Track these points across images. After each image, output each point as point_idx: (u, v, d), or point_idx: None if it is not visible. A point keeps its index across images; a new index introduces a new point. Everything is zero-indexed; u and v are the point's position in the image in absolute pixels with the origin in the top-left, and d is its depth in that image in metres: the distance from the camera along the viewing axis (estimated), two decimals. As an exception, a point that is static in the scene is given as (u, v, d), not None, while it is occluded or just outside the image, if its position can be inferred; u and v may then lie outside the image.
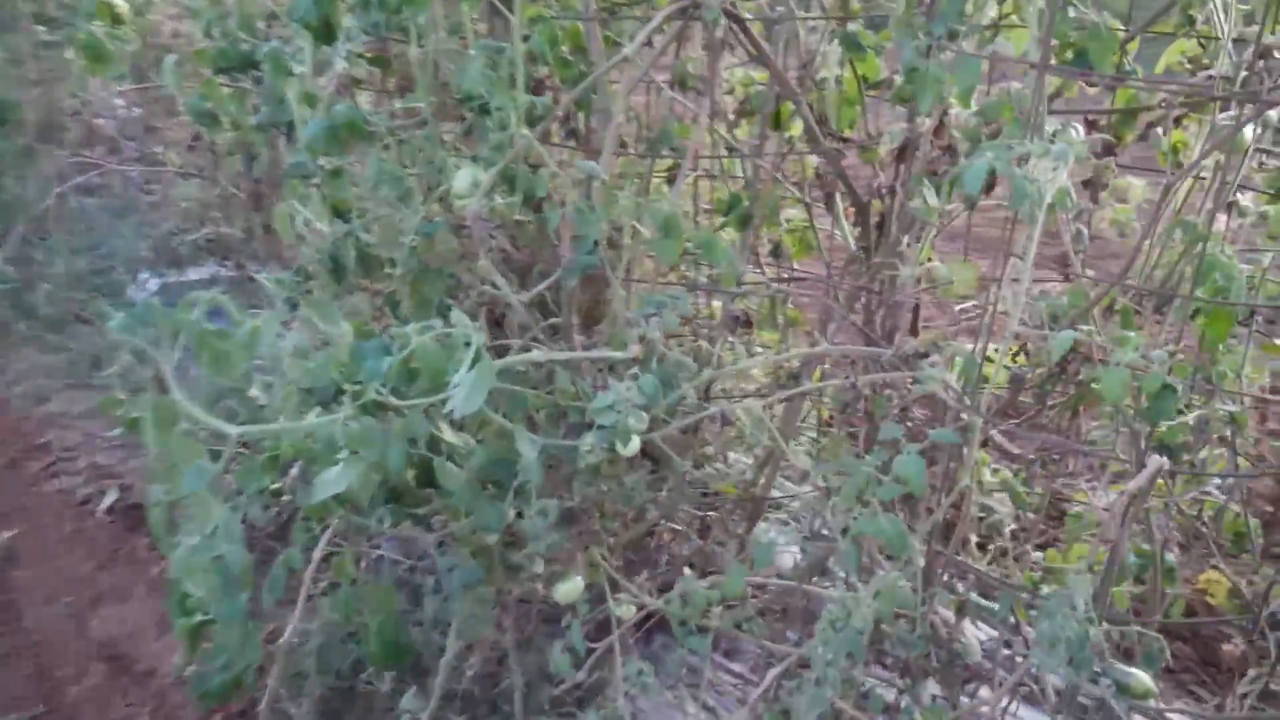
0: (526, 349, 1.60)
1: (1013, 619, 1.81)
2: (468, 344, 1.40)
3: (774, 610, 2.20)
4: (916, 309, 2.10)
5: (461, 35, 1.77)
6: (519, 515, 1.53)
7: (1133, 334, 1.29)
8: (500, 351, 1.62)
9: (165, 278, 4.43)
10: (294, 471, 1.95)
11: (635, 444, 1.42)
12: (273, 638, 2.47)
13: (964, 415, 1.50)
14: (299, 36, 1.79)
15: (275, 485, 1.67)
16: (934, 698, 1.62)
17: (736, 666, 2.32)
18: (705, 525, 2.00)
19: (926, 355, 1.50)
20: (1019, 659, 2.17)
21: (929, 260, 2.11)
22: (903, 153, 1.94)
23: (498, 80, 1.59)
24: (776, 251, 2.42)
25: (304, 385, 1.50)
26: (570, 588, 1.68)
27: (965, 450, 1.44)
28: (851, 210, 2.21)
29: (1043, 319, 1.52)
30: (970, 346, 1.47)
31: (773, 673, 1.67)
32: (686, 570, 2.40)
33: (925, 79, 1.46)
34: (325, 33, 1.73)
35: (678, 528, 2.06)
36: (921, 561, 1.51)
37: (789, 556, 2.76)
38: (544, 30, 1.71)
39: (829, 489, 1.54)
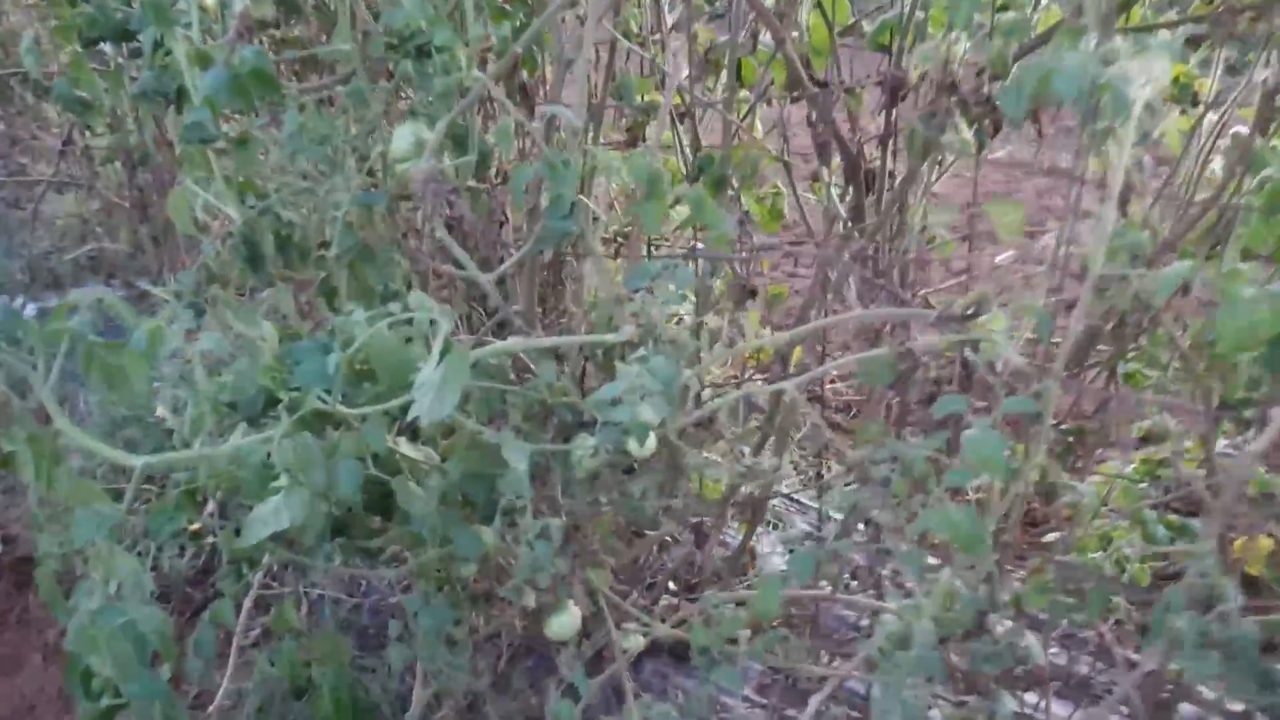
0: (481, 342, 1.32)
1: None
2: (432, 333, 1.12)
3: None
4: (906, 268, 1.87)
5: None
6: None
7: (1244, 266, 1.07)
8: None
9: (43, 302, 3.99)
10: (212, 506, 1.64)
11: (652, 443, 1.15)
12: (200, 702, 2.14)
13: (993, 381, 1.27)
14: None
15: (194, 525, 1.36)
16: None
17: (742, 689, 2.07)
18: (700, 530, 1.74)
19: (978, 314, 1.27)
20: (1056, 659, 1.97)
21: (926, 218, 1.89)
22: (895, 95, 1.71)
23: (440, 15, 1.31)
24: (742, 223, 2.17)
25: (223, 399, 1.19)
26: (565, 622, 1.40)
27: (1040, 421, 1.21)
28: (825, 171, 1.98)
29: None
30: (1035, 300, 1.24)
31: (816, 699, 1.42)
32: (670, 585, 2.15)
33: (960, -13, 1.23)
34: (218, -30, 1.42)
35: (668, 537, 1.79)
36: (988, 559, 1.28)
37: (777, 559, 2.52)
38: (484, -37, 1.43)
39: (878, 479, 1.29)
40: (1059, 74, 0.97)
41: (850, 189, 1.79)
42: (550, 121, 1.38)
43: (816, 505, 2.70)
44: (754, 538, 2.36)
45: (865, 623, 2.11)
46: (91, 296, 1.34)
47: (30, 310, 4.09)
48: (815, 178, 1.95)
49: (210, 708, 1.82)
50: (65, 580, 1.34)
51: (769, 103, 1.91)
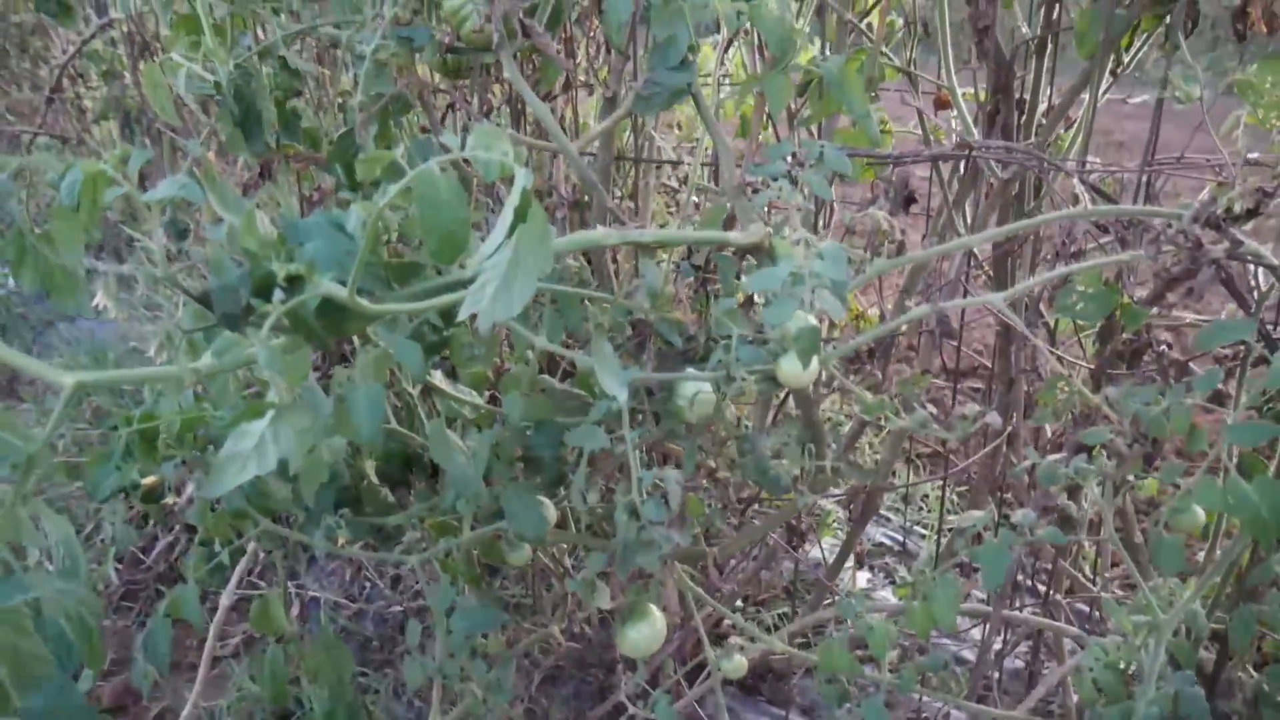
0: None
1: None
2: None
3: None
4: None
5: None
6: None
7: None
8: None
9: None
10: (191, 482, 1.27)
11: (815, 367, 0.79)
12: (160, 724, 1.76)
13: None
14: None
15: (149, 481, 0.99)
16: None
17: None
18: (796, 531, 1.37)
19: (1253, 213, 0.90)
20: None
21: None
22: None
23: None
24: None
25: (189, 290, 0.83)
26: (646, 633, 1.02)
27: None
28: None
29: None
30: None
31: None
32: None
33: None
34: None
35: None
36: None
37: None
38: None
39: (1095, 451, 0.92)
40: None
41: (998, 102, 1.43)
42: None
43: (898, 516, 2.34)
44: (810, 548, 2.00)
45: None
46: (20, 161, 0.99)
47: (12, 282, 3.75)
48: (944, 103, 1.60)
49: (171, 731, 1.45)
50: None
51: None
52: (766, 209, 1.00)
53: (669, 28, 0.94)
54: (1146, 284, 1.06)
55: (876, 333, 0.93)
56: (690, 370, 0.93)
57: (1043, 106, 1.55)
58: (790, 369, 0.79)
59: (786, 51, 1.03)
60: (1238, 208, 0.92)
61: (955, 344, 1.06)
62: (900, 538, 2.21)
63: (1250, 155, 1.03)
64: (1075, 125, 1.57)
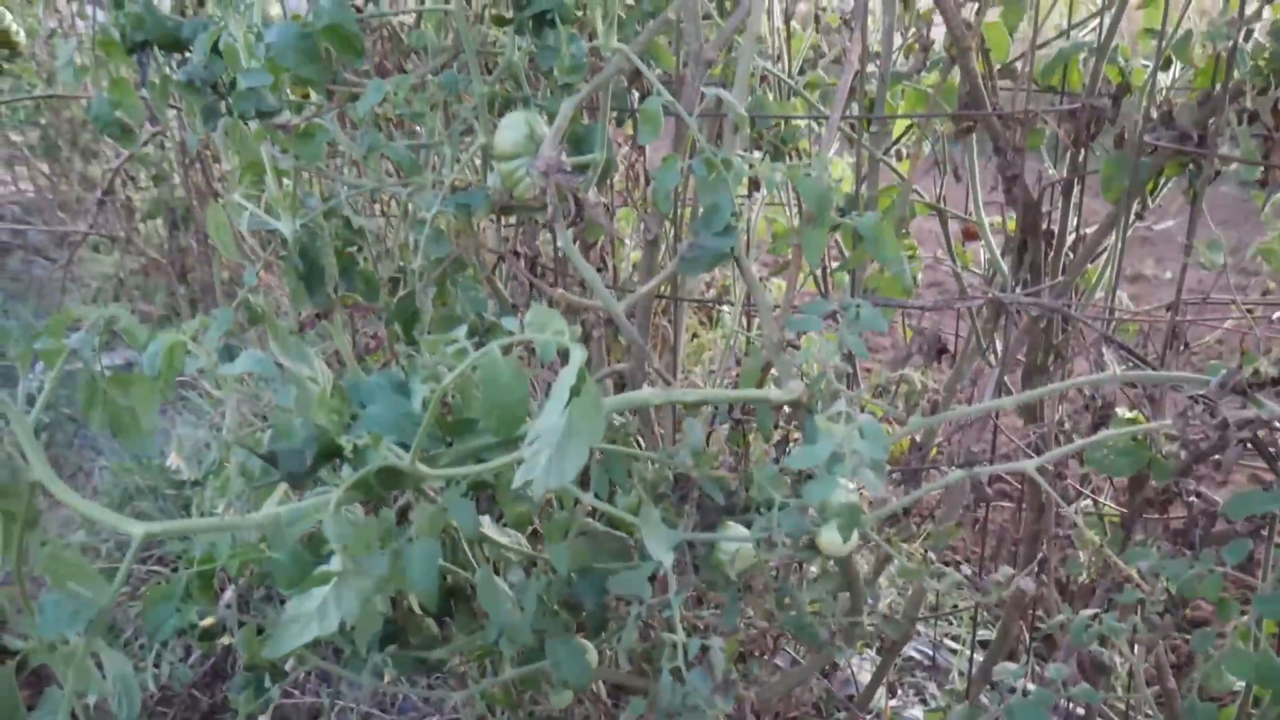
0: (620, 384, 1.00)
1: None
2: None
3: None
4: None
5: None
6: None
7: None
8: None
9: (71, 366, 3.72)
10: (228, 596, 1.31)
11: (854, 538, 0.82)
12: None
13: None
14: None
15: (206, 621, 1.02)
16: None
17: None
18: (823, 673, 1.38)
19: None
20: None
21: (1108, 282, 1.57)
22: (1093, 124, 1.41)
23: (568, -24, 1.03)
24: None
25: (258, 450, 0.87)
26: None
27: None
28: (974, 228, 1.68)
29: None
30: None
31: None
32: None
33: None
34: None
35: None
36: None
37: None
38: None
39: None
40: None
41: (1026, 243, 1.48)
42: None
43: (928, 628, 2.33)
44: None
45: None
46: (99, 312, 1.04)
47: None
48: (972, 234, 1.65)
49: None
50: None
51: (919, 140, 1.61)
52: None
53: (713, 195, 0.99)
54: (1176, 436, 1.09)
55: (915, 496, 0.96)
56: (732, 526, 0.96)
57: (1070, 238, 1.59)
58: (830, 539, 0.82)
59: (824, 210, 1.08)
60: (1264, 371, 0.95)
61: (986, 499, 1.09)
62: (930, 652, 2.20)
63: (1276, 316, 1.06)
64: (1104, 254, 1.61)
